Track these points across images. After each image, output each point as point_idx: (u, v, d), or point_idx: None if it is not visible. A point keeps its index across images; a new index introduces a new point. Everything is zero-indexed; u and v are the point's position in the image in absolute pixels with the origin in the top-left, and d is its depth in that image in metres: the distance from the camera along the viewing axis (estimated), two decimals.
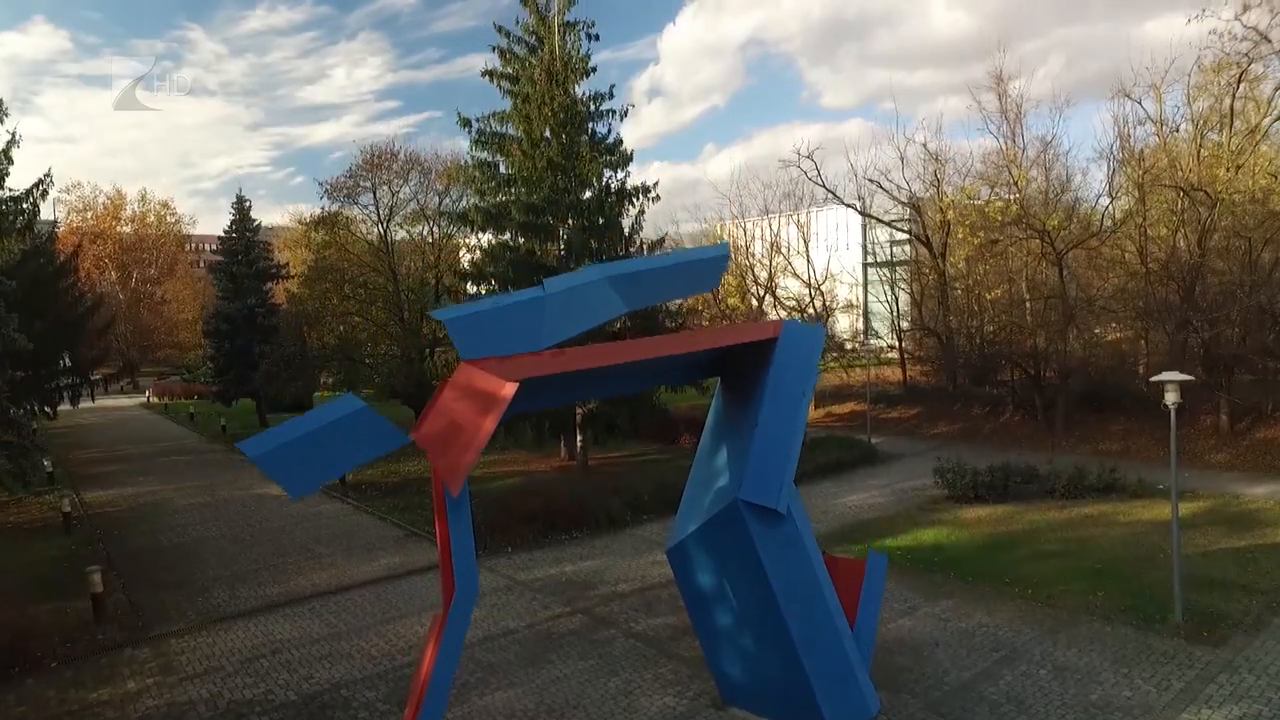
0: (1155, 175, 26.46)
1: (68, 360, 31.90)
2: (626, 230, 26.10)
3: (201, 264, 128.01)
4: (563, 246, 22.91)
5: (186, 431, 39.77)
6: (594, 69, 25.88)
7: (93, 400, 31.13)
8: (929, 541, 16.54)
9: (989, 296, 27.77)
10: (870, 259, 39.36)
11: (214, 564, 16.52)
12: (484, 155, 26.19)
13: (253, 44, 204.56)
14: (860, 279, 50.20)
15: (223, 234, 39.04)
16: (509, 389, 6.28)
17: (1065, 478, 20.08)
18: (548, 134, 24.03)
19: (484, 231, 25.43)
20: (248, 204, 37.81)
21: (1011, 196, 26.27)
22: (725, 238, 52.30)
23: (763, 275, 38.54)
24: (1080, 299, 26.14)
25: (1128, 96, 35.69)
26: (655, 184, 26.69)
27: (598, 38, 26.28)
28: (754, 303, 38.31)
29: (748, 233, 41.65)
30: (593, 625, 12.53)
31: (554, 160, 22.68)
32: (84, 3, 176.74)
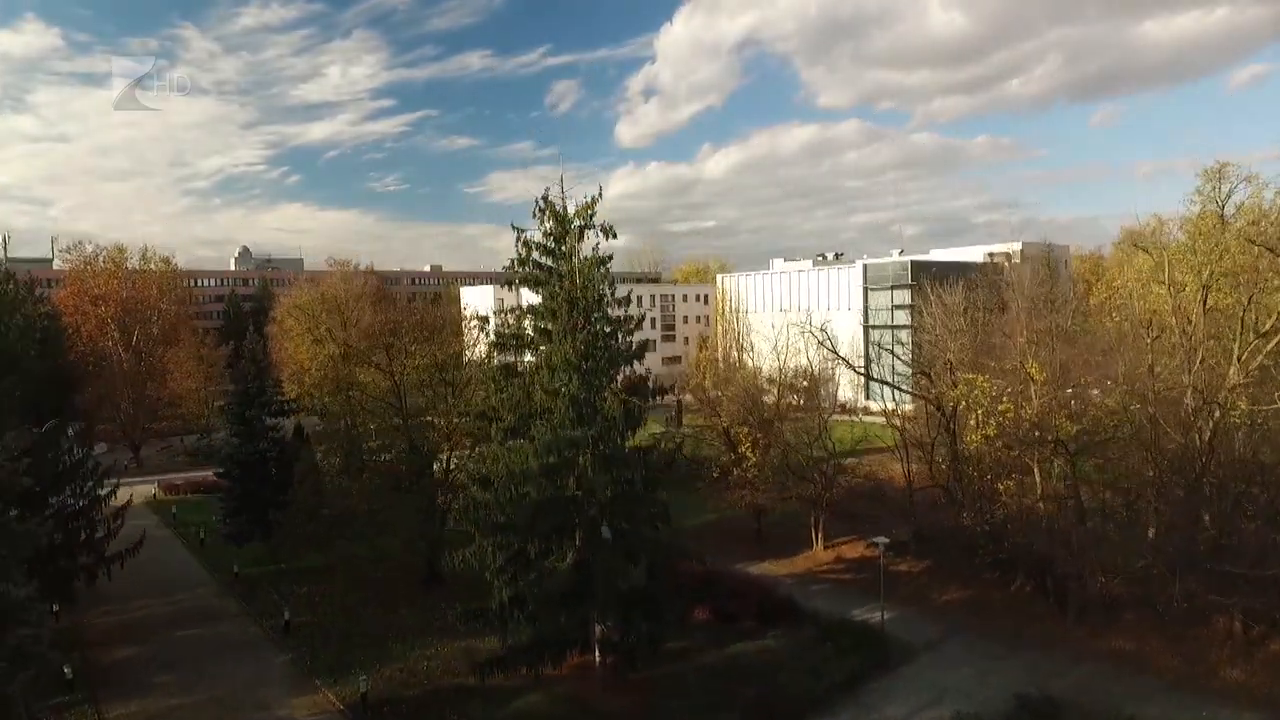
0: (1168, 387, 26.80)
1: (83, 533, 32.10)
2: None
3: (205, 298, 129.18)
4: (579, 483, 23.11)
5: (199, 570, 39.51)
6: (610, 257, 26.17)
7: (109, 578, 31.19)
8: None
9: (1000, 487, 28.13)
10: (879, 403, 39.72)
11: None
12: (503, 358, 26.59)
13: (246, 42, 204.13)
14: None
15: (236, 384, 39.07)
16: None
17: None
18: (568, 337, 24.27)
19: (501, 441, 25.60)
20: (264, 362, 37.77)
21: (1023, 409, 26.63)
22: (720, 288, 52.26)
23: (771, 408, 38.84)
24: (1094, 505, 26.54)
25: (1135, 245, 36.21)
26: (670, 389, 27.04)
27: (615, 235, 26.58)
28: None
29: (754, 360, 42.00)
30: None
31: (575, 395, 22.91)
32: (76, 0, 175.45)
